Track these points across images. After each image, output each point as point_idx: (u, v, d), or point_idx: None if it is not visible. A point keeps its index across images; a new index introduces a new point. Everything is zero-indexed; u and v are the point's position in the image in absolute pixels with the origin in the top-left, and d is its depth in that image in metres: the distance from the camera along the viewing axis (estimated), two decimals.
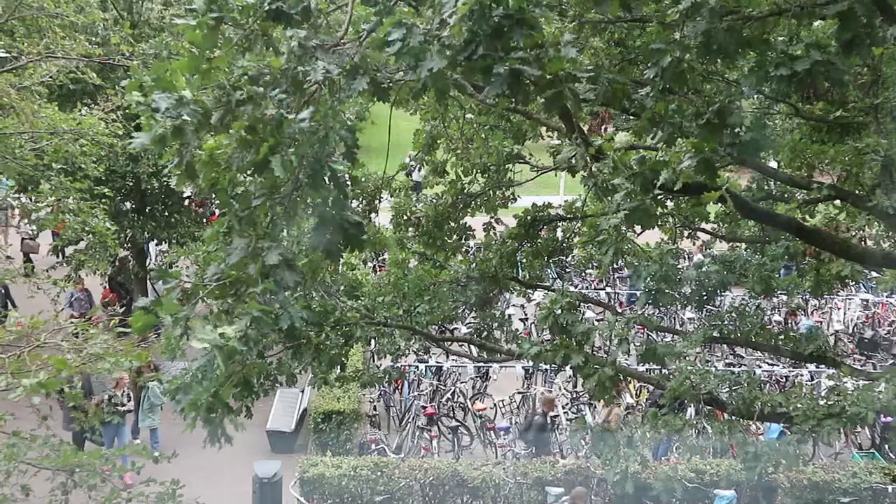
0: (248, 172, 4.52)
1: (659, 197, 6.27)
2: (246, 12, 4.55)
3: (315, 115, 4.31)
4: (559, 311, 7.31)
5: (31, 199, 13.26)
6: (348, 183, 4.73)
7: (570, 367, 7.58)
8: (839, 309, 23.24)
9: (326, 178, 4.40)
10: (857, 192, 9.39)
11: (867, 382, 8.86)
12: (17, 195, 14.08)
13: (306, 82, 4.42)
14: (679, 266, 9.74)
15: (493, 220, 11.22)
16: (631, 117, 8.41)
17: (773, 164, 11.34)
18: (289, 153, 4.32)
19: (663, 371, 9.64)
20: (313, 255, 5.56)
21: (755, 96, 7.77)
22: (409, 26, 4.26)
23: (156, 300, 4.50)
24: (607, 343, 8.16)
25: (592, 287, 23.78)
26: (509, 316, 13.78)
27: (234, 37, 4.56)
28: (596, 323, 9.13)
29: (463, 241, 10.85)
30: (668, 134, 6.34)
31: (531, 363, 8.64)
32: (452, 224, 10.62)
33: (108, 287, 20.98)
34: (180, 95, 4.27)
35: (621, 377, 7.75)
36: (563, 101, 4.54)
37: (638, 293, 10.01)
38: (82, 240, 15.36)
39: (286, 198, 4.52)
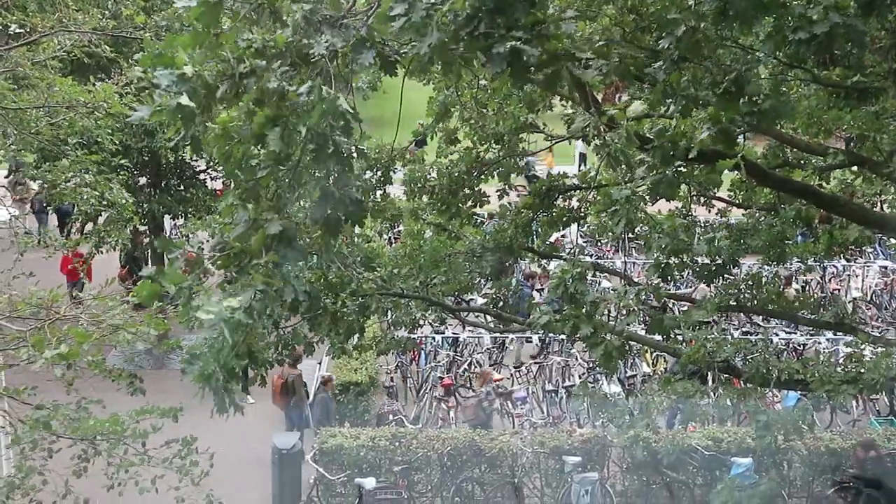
0: (252, 144, 4.53)
1: (678, 167, 6.26)
2: None
3: (314, 90, 4.28)
4: (570, 281, 7.31)
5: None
6: (354, 156, 4.70)
7: (579, 338, 7.60)
8: (857, 276, 23.11)
9: (329, 152, 4.39)
10: (874, 157, 9.32)
11: (884, 349, 8.85)
12: (35, 169, 14.14)
13: (311, 56, 4.41)
14: (692, 236, 9.71)
15: (507, 187, 11.17)
16: (646, 86, 8.37)
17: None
18: (292, 125, 4.33)
19: (679, 339, 9.66)
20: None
21: (771, 62, 7.70)
22: (411, 1, 4.23)
23: (160, 269, 4.55)
24: (623, 312, 8.18)
25: (607, 256, 23.73)
26: (522, 286, 13.80)
27: (241, 10, 4.55)
28: (611, 292, 9.14)
29: (478, 207, 10.85)
30: (683, 106, 6.30)
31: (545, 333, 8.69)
32: (467, 191, 10.62)
33: (122, 263, 21.15)
34: (182, 72, 4.28)
35: (629, 346, 7.75)
36: (561, 80, 4.53)
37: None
38: (100, 214, 15.45)
39: (291, 169, 4.53)
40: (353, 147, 4.57)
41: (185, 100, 4.24)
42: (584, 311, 7.47)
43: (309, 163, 4.48)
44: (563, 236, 22.63)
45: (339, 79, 4.83)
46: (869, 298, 22.29)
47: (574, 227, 11.04)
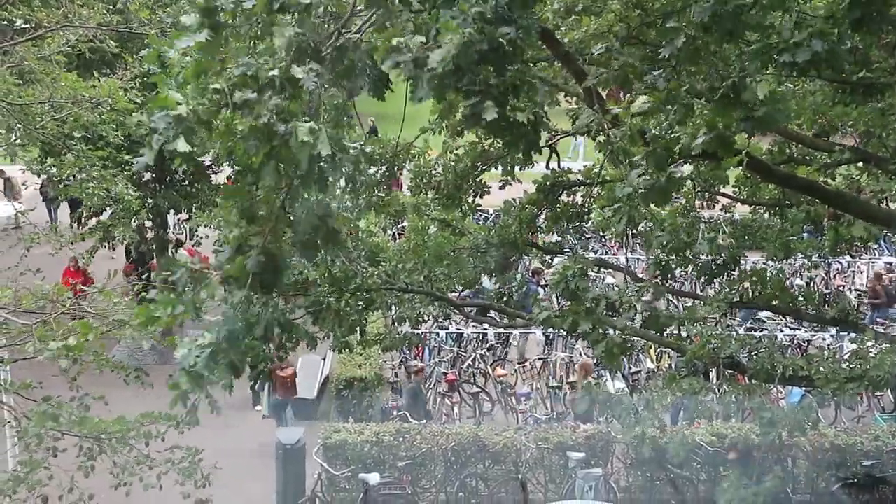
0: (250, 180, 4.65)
1: (676, 168, 6.28)
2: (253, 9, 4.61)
3: (292, 133, 4.34)
4: (572, 277, 7.32)
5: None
6: (341, 183, 4.82)
7: (578, 334, 7.60)
8: (862, 272, 23.05)
9: (315, 178, 4.48)
10: (880, 153, 9.30)
11: (889, 346, 8.83)
12: (40, 164, 14.18)
13: (301, 85, 4.47)
14: (696, 232, 9.69)
15: (510, 179, 11.19)
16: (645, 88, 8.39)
17: None
18: (284, 157, 4.42)
19: (683, 335, 9.67)
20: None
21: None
22: (400, 62, 4.35)
23: (160, 294, 4.65)
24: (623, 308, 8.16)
25: (612, 252, 23.70)
26: (528, 282, 13.75)
27: (242, 29, 4.62)
28: (613, 289, 9.13)
29: (479, 197, 10.87)
30: (681, 115, 6.33)
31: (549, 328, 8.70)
32: (471, 182, 10.65)
33: (128, 258, 21.22)
34: (177, 113, 4.36)
35: (632, 343, 7.75)
36: (517, 148, 4.73)
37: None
38: (105, 209, 15.47)
39: (285, 192, 4.61)
40: (343, 172, 4.65)
41: (182, 145, 4.35)
42: (584, 307, 7.48)
43: (297, 188, 4.58)
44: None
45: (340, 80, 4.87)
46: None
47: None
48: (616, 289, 8.11)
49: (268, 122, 4.36)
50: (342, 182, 4.94)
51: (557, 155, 11.15)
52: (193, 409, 4.96)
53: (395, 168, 10.77)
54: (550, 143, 10.98)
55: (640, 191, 5.87)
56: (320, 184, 4.51)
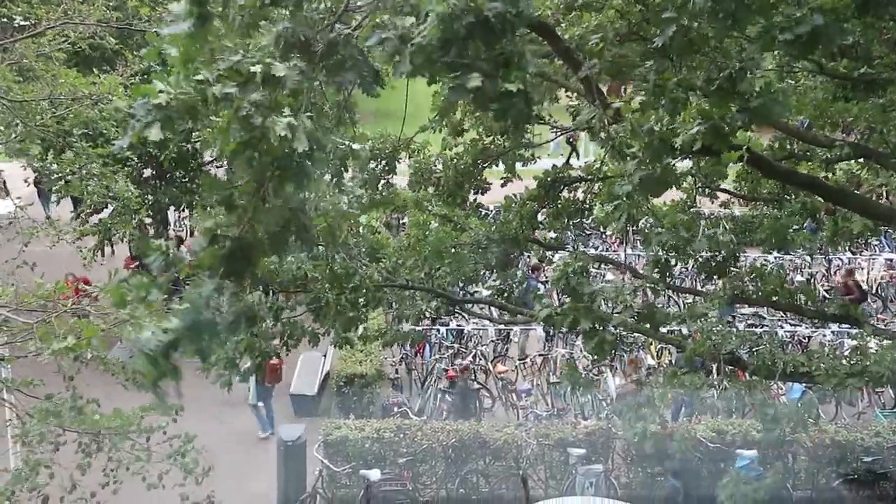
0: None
1: (675, 161, 6.27)
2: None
3: (268, 129, 4.32)
4: (572, 274, 7.32)
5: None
6: (320, 174, 4.79)
7: (578, 332, 7.61)
8: (863, 269, 23.05)
9: (294, 174, 4.47)
10: (881, 149, 9.29)
11: (890, 342, 8.83)
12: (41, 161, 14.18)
13: (283, 82, 4.46)
14: (696, 228, 9.68)
15: (511, 177, 11.20)
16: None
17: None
18: (262, 150, 4.41)
19: (684, 331, 9.66)
20: (331, 218, 5.60)
21: (775, 53, 7.69)
22: (384, 38, 4.34)
23: (132, 275, 4.60)
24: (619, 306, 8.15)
25: (612, 248, 23.69)
26: (528, 278, 13.75)
27: (235, 20, 4.60)
28: (609, 286, 9.11)
29: (480, 194, 10.86)
30: (671, 109, 6.33)
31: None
32: (473, 181, 10.66)
33: (129, 255, 21.22)
34: (157, 102, 4.36)
35: (633, 339, 7.76)
36: (506, 119, 4.71)
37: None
38: (107, 206, 15.45)
39: (272, 182, 4.60)
40: (319, 169, 4.63)
41: (155, 133, 4.33)
42: (583, 305, 7.47)
43: (276, 183, 4.57)
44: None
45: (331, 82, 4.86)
46: (874, 291, 22.23)
47: None
48: (614, 286, 8.08)
49: (246, 115, 4.35)
50: (327, 177, 4.93)
51: (574, 149, 11.17)
52: (162, 396, 4.84)
53: (396, 164, 10.77)
54: (570, 139, 11.01)
55: (636, 183, 5.86)
56: (298, 179, 4.49)
